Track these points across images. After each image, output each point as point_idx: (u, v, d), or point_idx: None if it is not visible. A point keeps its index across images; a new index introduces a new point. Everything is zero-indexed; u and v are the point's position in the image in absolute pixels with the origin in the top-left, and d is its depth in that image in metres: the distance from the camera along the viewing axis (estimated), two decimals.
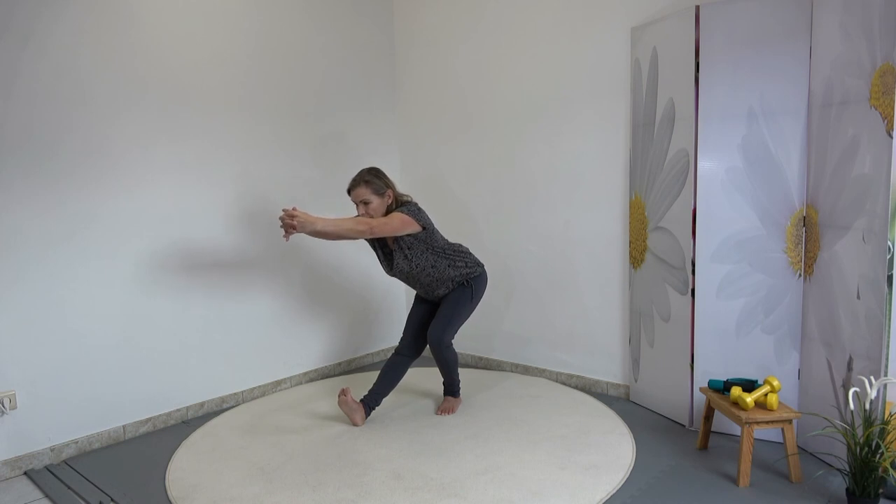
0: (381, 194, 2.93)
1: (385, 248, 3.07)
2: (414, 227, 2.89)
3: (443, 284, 3.08)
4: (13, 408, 2.68)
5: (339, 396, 3.01)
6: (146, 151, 3.05)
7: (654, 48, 3.02)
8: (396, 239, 2.96)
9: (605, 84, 3.36)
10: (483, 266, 3.19)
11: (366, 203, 2.91)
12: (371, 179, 2.93)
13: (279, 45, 3.59)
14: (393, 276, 3.08)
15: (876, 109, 2.29)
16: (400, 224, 2.84)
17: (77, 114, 2.81)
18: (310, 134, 3.78)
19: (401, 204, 2.97)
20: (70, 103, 2.79)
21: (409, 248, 2.95)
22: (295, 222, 2.64)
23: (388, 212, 2.94)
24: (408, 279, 3.08)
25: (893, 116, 2.20)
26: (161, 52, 3.08)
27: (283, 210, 2.67)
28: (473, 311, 3.18)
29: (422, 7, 4.11)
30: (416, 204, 2.98)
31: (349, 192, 2.97)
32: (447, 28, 3.99)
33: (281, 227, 2.71)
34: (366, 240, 3.08)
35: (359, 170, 3.05)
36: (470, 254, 3.15)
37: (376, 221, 2.80)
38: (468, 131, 3.97)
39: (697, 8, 2.75)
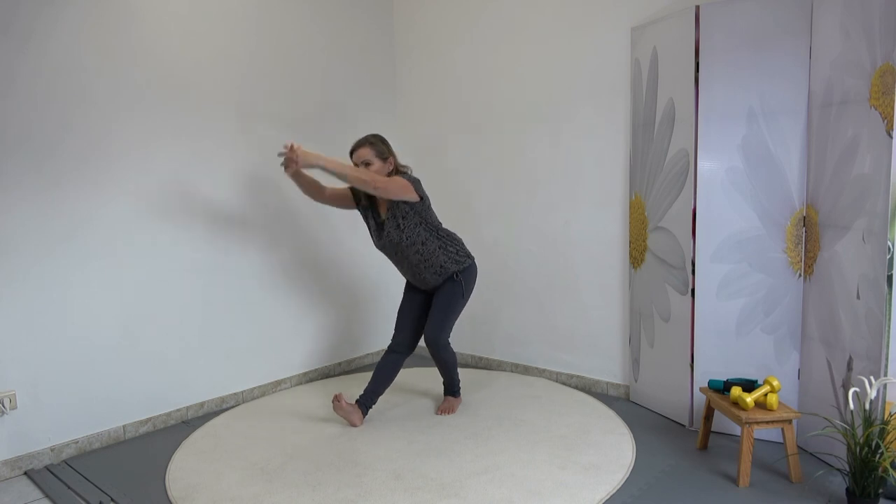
0: (383, 158, 2.95)
1: (378, 218, 3.06)
2: (412, 195, 2.88)
3: (430, 268, 3.04)
4: (13, 408, 2.68)
5: (332, 402, 3.00)
6: (146, 151, 3.05)
7: (654, 48, 3.02)
8: (390, 207, 2.95)
9: (605, 84, 3.36)
10: (473, 258, 3.18)
11: (367, 164, 2.93)
12: (376, 142, 2.95)
13: (279, 46, 3.59)
14: (381, 248, 3.06)
15: (876, 109, 2.29)
16: (400, 188, 2.84)
17: (77, 114, 2.81)
18: (310, 134, 3.77)
19: (400, 173, 2.98)
20: (70, 103, 2.79)
21: (402, 218, 2.94)
22: (296, 156, 2.66)
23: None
24: (396, 254, 3.04)
25: (893, 116, 2.20)
26: (161, 52, 3.08)
27: (283, 145, 2.70)
28: (466, 304, 3.19)
29: (422, 8, 4.11)
30: (416, 177, 2.97)
31: (352, 152, 2.98)
32: (447, 29, 3.99)
33: (281, 165, 2.73)
34: (359, 209, 3.09)
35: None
36: (462, 243, 3.13)
37: (379, 177, 2.80)
38: (468, 132, 3.97)
39: (697, 8, 2.75)
